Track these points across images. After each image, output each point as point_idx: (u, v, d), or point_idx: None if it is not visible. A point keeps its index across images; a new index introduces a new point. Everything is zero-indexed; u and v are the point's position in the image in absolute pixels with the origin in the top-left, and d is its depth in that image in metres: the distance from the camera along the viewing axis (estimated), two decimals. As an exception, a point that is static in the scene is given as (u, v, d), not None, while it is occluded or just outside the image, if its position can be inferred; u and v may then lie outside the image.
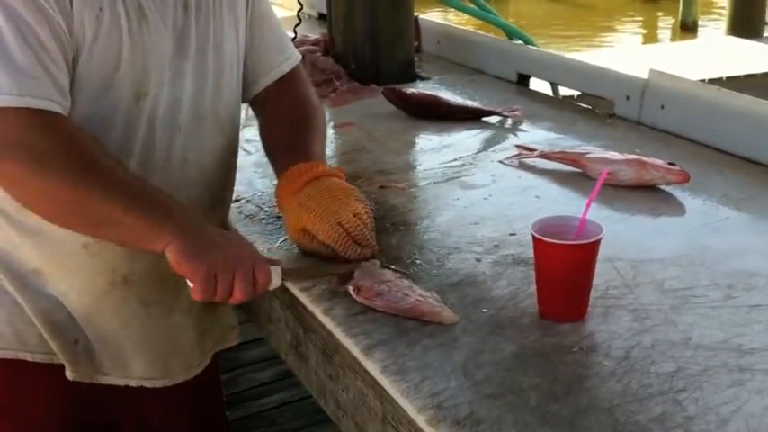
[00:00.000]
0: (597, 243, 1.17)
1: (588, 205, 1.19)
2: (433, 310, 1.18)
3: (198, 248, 1.12)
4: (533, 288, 1.27)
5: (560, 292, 1.18)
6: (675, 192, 1.64)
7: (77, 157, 1.11)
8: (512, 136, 2.03)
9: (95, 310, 1.27)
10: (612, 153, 1.75)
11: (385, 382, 1.07)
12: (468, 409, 1.01)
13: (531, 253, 1.36)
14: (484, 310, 1.22)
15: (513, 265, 1.37)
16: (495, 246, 1.44)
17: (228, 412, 2.40)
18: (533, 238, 1.18)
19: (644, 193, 1.64)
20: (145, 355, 1.33)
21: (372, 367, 1.10)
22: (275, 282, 1.20)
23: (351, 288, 1.22)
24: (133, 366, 1.32)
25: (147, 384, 1.33)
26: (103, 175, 1.12)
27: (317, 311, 1.24)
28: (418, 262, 1.39)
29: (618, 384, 1.05)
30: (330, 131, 2.04)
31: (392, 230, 1.52)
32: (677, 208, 1.61)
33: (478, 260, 1.39)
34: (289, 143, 1.43)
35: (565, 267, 1.17)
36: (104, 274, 1.26)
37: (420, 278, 1.32)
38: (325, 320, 1.22)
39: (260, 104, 1.52)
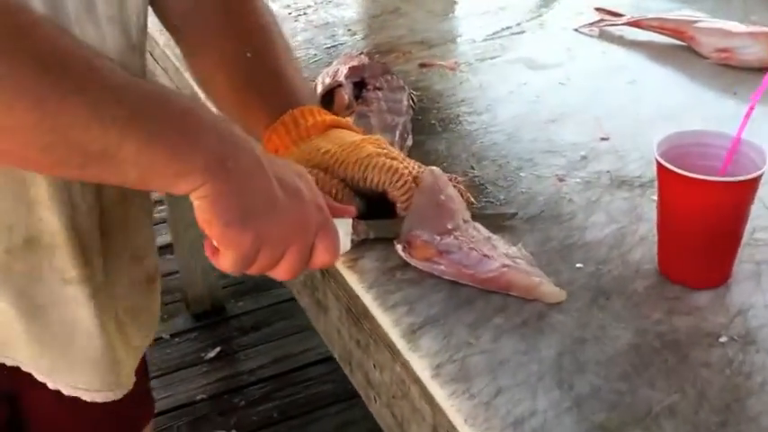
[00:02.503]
0: (758, 179, 0.77)
1: (748, 116, 0.79)
2: (528, 283, 0.79)
3: (246, 205, 0.67)
4: (643, 229, 0.89)
5: (698, 246, 0.80)
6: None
7: (36, 49, 0.60)
8: (588, -6, 1.58)
9: None
10: (731, 23, 1.31)
11: (439, 393, 0.71)
12: (568, 448, 0.65)
13: (634, 169, 0.98)
14: (578, 266, 0.85)
15: (610, 188, 0.98)
16: (583, 157, 1.04)
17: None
18: (659, 167, 0.79)
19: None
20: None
21: (419, 365, 0.74)
22: (344, 248, 0.78)
23: (400, 245, 0.83)
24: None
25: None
26: (82, 77, 0.61)
27: (339, 263, 0.87)
28: (477, 181, 1.00)
29: (797, 405, 0.68)
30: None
31: (439, 129, 1.13)
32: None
33: (561, 179, 1.00)
34: (257, 83, 0.95)
35: (711, 213, 0.78)
36: None
37: (479, 208, 0.94)
38: (351, 279, 0.85)
39: (178, 17, 0.97)
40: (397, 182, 0.86)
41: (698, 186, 0.76)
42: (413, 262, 0.82)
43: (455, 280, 0.80)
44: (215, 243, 0.69)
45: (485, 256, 0.80)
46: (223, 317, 2.24)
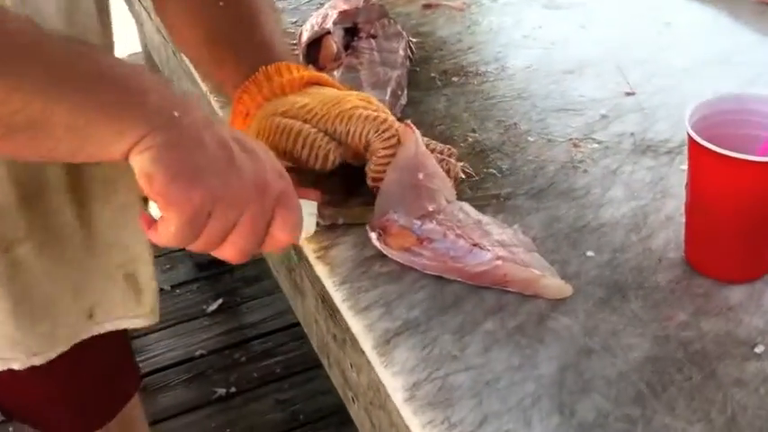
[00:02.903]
0: (812, 152, 0.64)
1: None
2: (526, 276, 0.67)
3: (197, 158, 0.58)
4: (669, 207, 0.76)
5: (732, 234, 0.66)
6: None
7: None
8: None
9: None
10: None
11: (413, 421, 0.59)
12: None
13: (661, 130, 0.84)
14: (589, 254, 0.72)
15: (633, 154, 0.84)
16: (603, 116, 0.90)
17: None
18: (691, 141, 0.65)
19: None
20: None
21: (392, 384, 0.62)
22: (306, 230, 0.67)
23: (373, 233, 0.70)
24: None
25: None
26: (7, 43, 0.54)
27: (308, 250, 0.75)
28: (477, 147, 0.87)
29: None
30: None
31: (439, 84, 0.99)
32: None
33: (576, 144, 0.86)
34: (229, 35, 0.83)
35: (747, 196, 0.64)
36: None
37: (481, 179, 0.81)
38: (321, 271, 0.73)
39: None
40: (384, 132, 0.73)
41: (734, 166, 0.62)
42: (389, 253, 0.69)
43: (440, 275, 0.68)
44: (153, 210, 0.59)
45: (475, 245, 0.67)
46: (226, 267, 2.14)
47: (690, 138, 0.65)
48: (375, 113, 0.75)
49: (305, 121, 0.76)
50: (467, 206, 0.72)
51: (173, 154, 0.57)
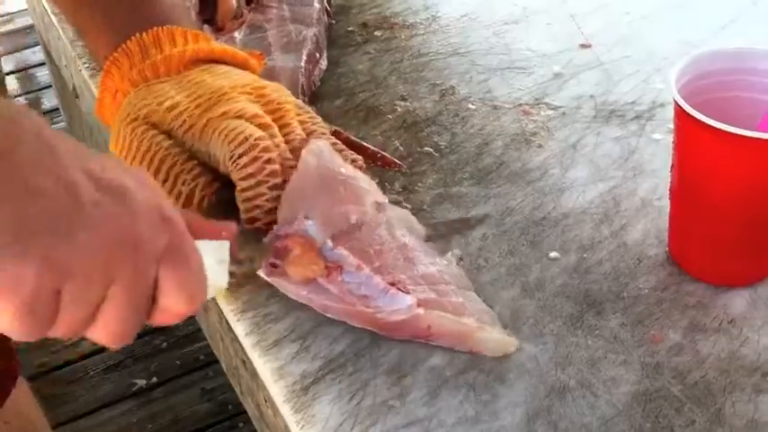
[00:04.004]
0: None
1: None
2: (457, 330, 0.51)
3: (24, 215, 0.39)
4: (645, 187, 0.62)
5: (730, 226, 0.53)
6: None
7: None
8: None
9: None
10: None
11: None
12: None
13: (627, 92, 0.72)
14: (553, 255, 0.58)
15: (595, 122, 0.70)
16: (557, 75, 0.76)
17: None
18: (678, 110, 0.51)
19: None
20: None
21: (310, 451, 0.48)
22: (215, 285, 0.49)
23: (262, 266, 0.53)
24: None
25: None
26: None
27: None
28: (408, 119, 0.71)
29: None
30: None
31: (361, 40, 0.83)
32: None
33: (527, 112, 0.72)
34: None
35: (747, 180, 0.50)
36: None
37: (415, 160, 0.66)
38: (228, 313, 0.57)
39: None
40: (240, 158, 0.55)
41: (731, 143, 0.49)
42: (284, 288, 0.52)
43: (355, 325, 0.52)
44: None
45: (392, 284, 0.51)
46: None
47: (677, 107, 0.51)
48: (236, 127, 0.57)
49: (169, 133, 0.60)
50: (395, 219, 0.56)
51: None
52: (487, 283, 0.55)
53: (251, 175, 0.55)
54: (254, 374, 0.60)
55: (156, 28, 0.63)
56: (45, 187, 0.40)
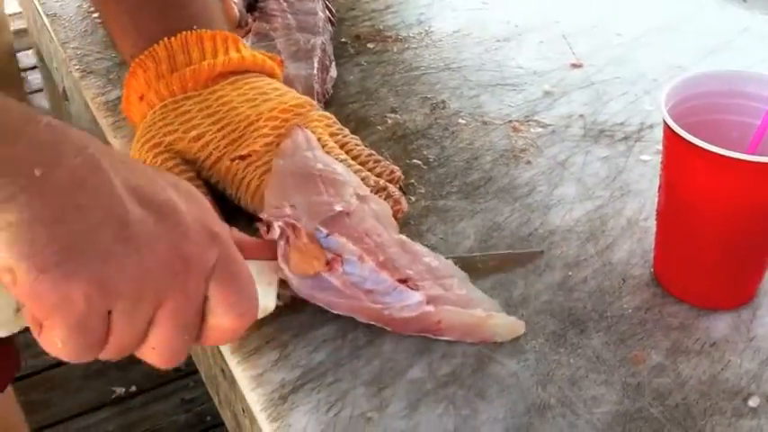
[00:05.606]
0: (819, 147, 0.50)
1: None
2: (467, 321, 0.51)
3: (70, 237, 0.39)
4: (631, 207, 0.62)
5: (715, 249, 0.53)
6: None
7: None
8: None
9: None
10: None
11: None
12: None
13: (616, 111, 0.71)
14: (537, 272, 0.57)
15: (584, 141, 0.70)
16: (547, 93, 0.76)
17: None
18: (667, 131, 0.51)
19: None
20: None
21: (287, 460, 0.47)
22: (264, 307, 0.49)
23: (281, 243, 0.51)
24: None
25: None
26: None
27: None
28: (398, 131, 0.71)
29: None
30: None
31: (353, 51, 0.83)
32: None
33: (516, 129, 0.72)
34: None
35: (735, 203, 0.50)
36: None
37: (402, 173, 0.66)
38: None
39: None
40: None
41: (719, 164, 0.49)
42: (291, 283, 0.52)
43: (362, 320, 0.52)
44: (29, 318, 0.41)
45: (401, 281, 0.51)
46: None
47: (666, 127, 0.51)
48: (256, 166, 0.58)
49: (194, 166, 0.60)
50: (381, 212, 0.56)
51: (31, 235, 0.37)
52: (471, 297, 0.55)
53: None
54: (232, 383, 0.60)
55: (185, 33, 0.62)
56: (89, 207, 0.39)
